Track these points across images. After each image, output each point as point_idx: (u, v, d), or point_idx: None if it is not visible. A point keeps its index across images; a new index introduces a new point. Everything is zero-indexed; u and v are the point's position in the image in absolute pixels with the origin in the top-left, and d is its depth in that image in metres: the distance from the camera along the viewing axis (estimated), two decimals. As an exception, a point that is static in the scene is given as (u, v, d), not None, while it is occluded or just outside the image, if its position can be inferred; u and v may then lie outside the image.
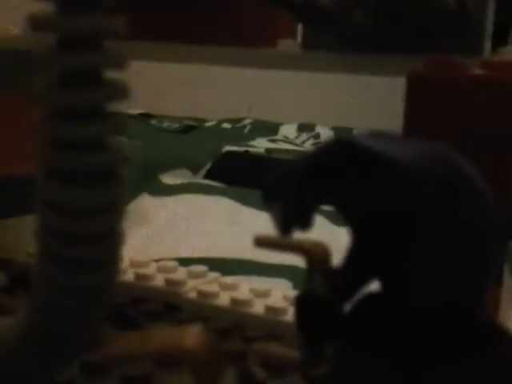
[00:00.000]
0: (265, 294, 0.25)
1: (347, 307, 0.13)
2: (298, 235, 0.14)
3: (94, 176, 0.11)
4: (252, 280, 0.28)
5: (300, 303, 0.14)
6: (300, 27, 0.20)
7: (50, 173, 0.11)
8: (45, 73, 0.11)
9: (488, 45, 0.20)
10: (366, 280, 0.13)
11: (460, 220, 0.11)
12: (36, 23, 0.11)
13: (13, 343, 0.14)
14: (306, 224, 0.13)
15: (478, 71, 0.19)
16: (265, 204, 0.12)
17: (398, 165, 0.10)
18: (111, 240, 0.12)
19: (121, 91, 0.12)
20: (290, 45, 0.23)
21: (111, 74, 0.12)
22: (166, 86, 0.97)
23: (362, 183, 0.11)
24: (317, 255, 0.14)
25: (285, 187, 0.12)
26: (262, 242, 0.15)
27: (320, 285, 0.14)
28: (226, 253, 0.33)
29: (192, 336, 0.10)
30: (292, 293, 0.25)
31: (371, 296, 0.13)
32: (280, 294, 0.25)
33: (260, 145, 0.65)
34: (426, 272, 0.11)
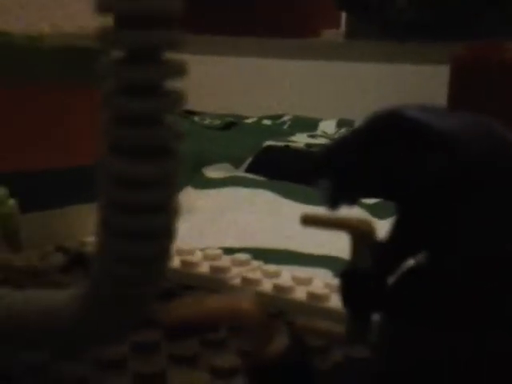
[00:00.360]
0: (307, 282, 0.26)
1: (391, 280, 0.13)
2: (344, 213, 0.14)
3: (152, 150, 0.12)
4: (294, 269, 0.29)
5: (345, 277, 0.14)
6: (344, 16, 0.21)
7: (112, 147, 0.12)
8: (108, 54, 0.12)
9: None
10: (410, 253, 0.13)
11: (504, 190, 0.11)
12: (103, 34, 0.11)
13: (71, 316, 0.15)
14: (353, 199, 0.13)
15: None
16: (313, 179, 0.13)
17: (445, 135, 0.11)
18: (168, 212, 0.13)
19: (178, 69, 0.12)
20: (334, 35, 0.23)
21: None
22: (205, 82, 0.98)
23: (409, 154, 0.11)
24: (362, 231, 0.14)
25: (333, 161, 0.13)
26: (308, 220, 0.16)
27: (365, 259, 0.14)
28: (268, 243, 0.33)
29: (246, 299, 0.11)
30: (333, 281, 0.25)
31: (415, 268, 0.13)
32: (321, 282, 0.26)
33: (300, 140, 0.65)
34: (473, 242, 0.12)
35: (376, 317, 0.14)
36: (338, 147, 0.12)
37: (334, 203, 0.13)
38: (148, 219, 0.12)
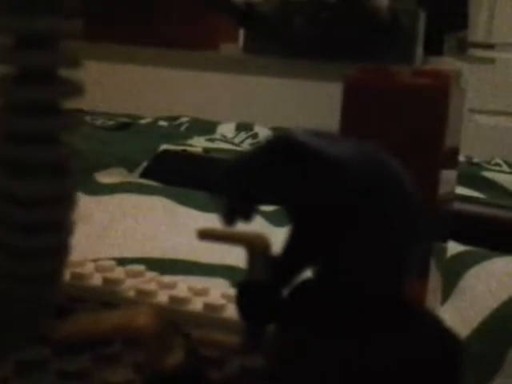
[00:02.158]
0: (203, 292, 0.26)
1: (286, 292, 0.15)
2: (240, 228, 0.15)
3: (45, 168, 0.12)
4: (190, 279, 0.29)
5: (241, 289, 0.15)
6: (242, 32, 0.22)
7: (4, 164, 0.12)
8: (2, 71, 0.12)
9: (420, 54, 0.23)
10: (303, 267, 0.14)
11: (388, 216, 0.13)
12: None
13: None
14: (248, 216, 0.14)
15: (408, 78, 0.21)
16: (211, 196, 0.14)
17: (332, 160, 0.12)
18: (62, 230, 0.13)
19: (75, 89, 0.13)
20: (231, 49, 0.24)
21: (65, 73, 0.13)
22: (101, 82, 0.96)
23: (301, 177, 0.13)
24: (258, 245, 0.16)
25: (229, 182, 0.14)
26: (205, 235, 0.17)
27: (260, 272, 0.15)
28: (164, 253, 0.34)
29: (142, 315, 0.12)
30: (230, 291, 0.26)
31: (307, 282, 0.14)
32: (218, 292, 0.26)
33: (198, 144, 0.66)
34: (355, 260, 0.13)
35: (271, 327, 0.15)
36: (235, 168, 0.13)
37: (230, 219, 0.14)
38: (36, 238, 0.12)
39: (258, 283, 0.15)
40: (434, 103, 0.21)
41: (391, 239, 0.13)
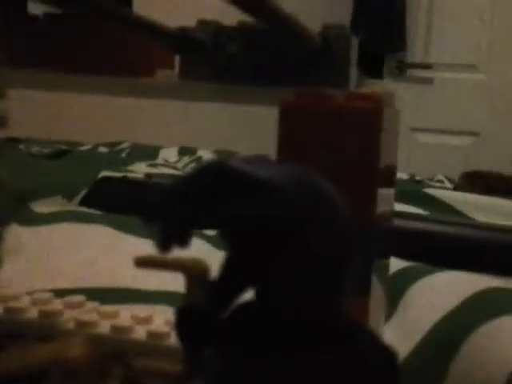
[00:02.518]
0: (146, 320, 0.26)
1: (224, 316, 0.15)
2: (178, 253, 0.15)
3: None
4: (133, 308, 0.29)
5: (180, 315, 0.15)
6: (177, 58, 0.22)
7: None
8: None
9: (353, 77, 0.24)
10: (240, 290, 0.15)
11: (322, 239, 0.13)
12: None
13: None
14: (183, 242, 0.14)
15: (342, 101, 0.22)
16: (145, 224, 0.14)
17: (265, 185, 0.13)
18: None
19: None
20: (168, 75, 0.25)
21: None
22: (37, 110, 0.95)
23: (231, 202, 0.13)
24: (196, 270, 0.16)
25: (163, 208, 0.14)
26: (142, 262, 0.17)
27: (199, 297, 0.15)
28: (105, 282, 0.33)
29: (75, 346, 0.12)
30: (174, 318, 0.26)
31: (245, 305, 0.15)
32: (162, 320, 0.26)
33: (139, 169, 0.65)
34: (291, 285, 0.13)
35: (209, 352, 0.15)
36: (167, 195, 0.13)
37: (165, 246, 0.14)
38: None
39: (196, 308, 0.15)
40: (368, 125, 0.22)
41: (326, 261, 0.13)
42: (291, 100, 0.21)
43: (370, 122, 0.22)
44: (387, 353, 0.13)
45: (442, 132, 1.63)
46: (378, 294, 0.25)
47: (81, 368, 0.11)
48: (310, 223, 0.13)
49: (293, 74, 0.23)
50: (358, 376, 0.13)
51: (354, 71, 0.25)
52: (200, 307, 0.15)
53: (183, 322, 0.15)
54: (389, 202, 0.26)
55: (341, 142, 0.21)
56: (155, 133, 0.98)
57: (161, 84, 0.24)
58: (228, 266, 0.15)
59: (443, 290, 0.30)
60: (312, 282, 0.13)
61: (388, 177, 0.25)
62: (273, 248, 0.13)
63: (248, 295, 0.15)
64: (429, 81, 1.61)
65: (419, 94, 1.59)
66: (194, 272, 0.16)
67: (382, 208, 0.24)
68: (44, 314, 0.25)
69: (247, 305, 0.15)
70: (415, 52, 1.57)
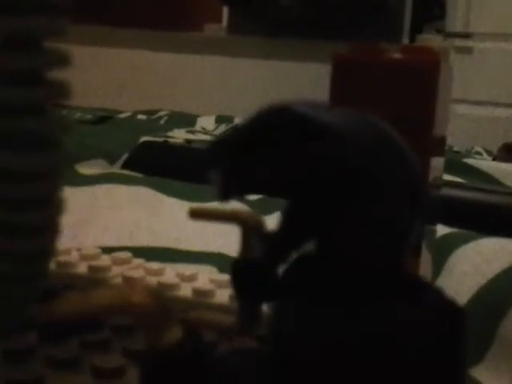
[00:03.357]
0: (191, 278, 0.26)
1: (282, 269, 0.14)
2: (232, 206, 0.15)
3: (31, 140, 0.12)
4: (177, 266, 0.29)
5: (236, 268, 0.15)
6: (226, 12, 0.21)
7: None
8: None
9: (407, 32, 0.23)
10: (300, 243, 0.14)
11: (389, 185, 0.13)
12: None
13: None
14: (243, 191, 0.14)
15: (397, 55, 0.21)
16: (205, 172, 0.13)
17: (332, 129, 0.12)
18: (50, 206, 0.13)
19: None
20: (216, 30, 0.24)
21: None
22: (75, 75, 0.95)
23: (296, 148, 0.12)
24: (251, 222, 0.15)
25: (223, 155, 0.13)
26: (197, 214, 0.16)
27: (254, 250, 0.15)
28: (149, 241, 0.33)
29: (138, 291, 0.11)
30: (218, 276, 0.26)
31: (304, 258, 0.14)
32: (206, 278, 0.26)
33: (178, 135, 0.65)
34: (354, 234, 0.13)
35: (266, 308, 0.15)
36: (226, 141, 0.13)
37: (224, 194, 0.14)
38: (29, 214, 0.12)
39: (253, 261, 0.15)
40: (424, 79, 0.21)
41: (391, 213, 0.13)
42: (344, 53, 0.21)
43: (427, 76, 0.21)
44: (454, 307, 0.13)
45: (481, 103, 1.59)
46: (425, 257, 0.24)
47: (144, 314, 0.11)
48: (377, 169, 0.12)
49: (346, 28, 0.22)
50: (426, 329, 0.12)
51: (407, 27, 0.24)
52: (257, 260, 0.15)
53: (239, 275, 0.15)
54: (439, 171, 0.25)
55: (396, 97, 0.20)
56: (194, 99, 0.97)
57: (208, 39, 0.23)
58: (287, 218, 0.14)
59: (488, 256, 0.30)
60: (377, 231, 0.12)
61: (439, 145, 0.24)
62: (337, 197, 0.13)
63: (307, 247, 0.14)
64: (468, 51, 1.57)
65: (458, 65, 1.54)
66: (250, 224, 0.16)
67: (432, 175, 0.23)
68: (93, 269, 0.26)
69: (306, 257, 0.14)
70: (454, 21, 1.52)
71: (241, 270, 0.15)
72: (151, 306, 0.11)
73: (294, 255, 0.14)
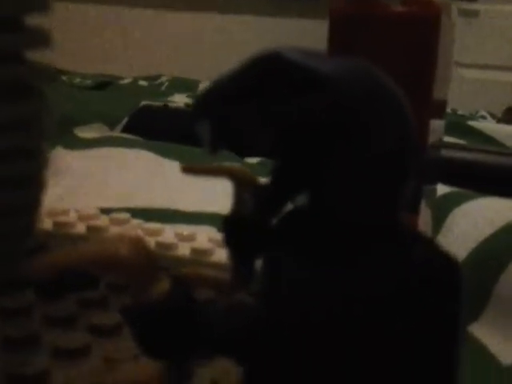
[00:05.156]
0: (190, 238, 0.26)
1: (273, 223, 0.14)
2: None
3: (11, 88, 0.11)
4: (176, 227, 0.29)
5: (228, 223, 0.15)
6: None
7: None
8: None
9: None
10: (290, 196, 0.14)
11: (382, 134, 0.12)
12: None
13: None
14: (232, 141, 0.14)
15: (396, 8, 0.20)
16: (193, 124, 0.13)
17: (325, 76, 0.11)
18: (35, 157, 0.13)
19: (41, 38, 0.12)
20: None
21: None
22: (74, 40, 0.94)
23: (289, 97, 0.12)
24: (243, 177, 0.15)
25: (211, 104, 0.13)
26: (189, 170, 0.16)
27: (247, 205, 0.15)
28: (148, 203, 0.33)
29: (126, 244, 0.11)
30: (217, 236, 0.26)
31: (295, 211, 0.14)
32: (205, 237, 0.26)
33: (179, 100, 0.65)
34: (348, 185, 0.13)
35: (259, 263, 0.14)
36: (215, 90, 0.12)
37: (213, 146, 0.13)
38: (13, 165, 0.12)
39: (245, 216, 0.15)
40: (425, 33, 0.20)
41: (384, 164, 0.12)
42: (342, 6, 0.20)
43: (427, 29, 0.20)
44: (450, 260, 0.13)
45: (487, 67, 1.56)
46: (425, 215, 0.24)
47: (131, 266, 0.11)
48: (369, 118, 0.12)
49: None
50: (422, 282, 0.12)
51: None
52: (248, 215, 0.15)
53: (231, 230, 0.15)
54: (439, 133, 0.25)
55: (395, 52, 0.20)
56: (194, 67, 0.96)
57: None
58: (278, 171, 0.14)
59: (487, 213, 0.29)
60: (370, 181, 0.12)
61: (440, 107, 0.23)
62: (329, 148, 0.12)
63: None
64: (474, 13, 1.54)
65: (464, 28, 1.51)
66: (242, 179, 0.15)
67: (433, 138, 0.23)
68: (91, 229, 0.25)
69: (298, 211, 0.14)
70: (460, -17, 1.49)
71: (232, 225, 0.15)
72: (138, 259, 0.11)
73: (286, 209, 0.14)
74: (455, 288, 0.13)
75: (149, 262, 0.11)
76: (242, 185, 0.15)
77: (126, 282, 0.11)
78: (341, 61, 0.13)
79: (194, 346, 0.12)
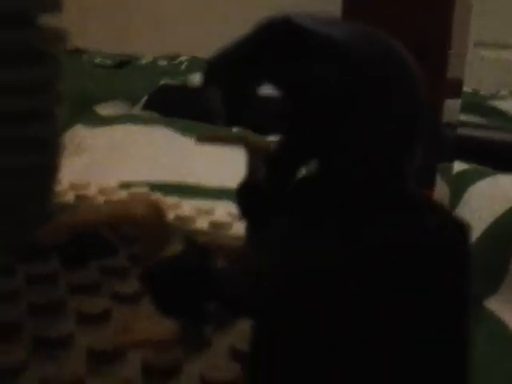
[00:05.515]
0: (208, 212, 0.26)
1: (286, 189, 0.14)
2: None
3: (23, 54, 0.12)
4: (194, 201, 0.29)
5: (241, 190, 0.15)
6: None
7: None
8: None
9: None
10: (301, 162, 0.14)
11: (394, 100, 0.12)
12: None
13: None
14: (243, 113, 0.14)
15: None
16: (205, 93, 0.13)
17: (333, 42, 0.12)
18: (51, 122, 0.13)
19: (52, 3, 0.12)
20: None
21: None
22: (94, 19, 0.94)
23: (299, 62, 0.12)
24: (258, 145, 0.15)
25: (223, 71, 0.13)
26: (204, 139, 0.16)
27: (260, 172, 0.15)
28: (167, 178, 0.34)
29: (141, 204, 0.11)
30: (235, 210, 0.26)
31: (307, 177, 0.14)
32: (223, 211, 0.26)
33: (198, 79, 0.65)
34: (359, 150, 0.13)
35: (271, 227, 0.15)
36: (224, 57, 0.12)
37: (224, 117, 0.13)
38: (27, 128, 0.12)
39: (257, 183, 0.15)
40: (439, 8, 0.20)
41: (395, 132, 0.12)
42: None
43: (441, 4, 0.20)
44: (460, 224, 0.13)
45: (508, 47, 1.53)
46: (442, 190, 0.24)
47: (145, 224, 0.11)
48: (383, 83, 0.12)
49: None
50: (431, 244, 0.12)
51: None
52: (262, 182, 0.15)
53: (244, 197, 0.15)
54: (455, 111, 0.24)
55: (409, 26, 0.20)
56: (213, 46, 0.96)
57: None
58: (289, 138, 0.14)
59: (504, 190, 0.29)
60: (382, 145, 0.12)
61: (456, 87, 0.23)
62: (339, 114, 0.12)
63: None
64: (497, -8, 1.50)
65: (483, 6, 1.48)
66: (256, 147, 0.15)
67: (448, 117, 0.23)
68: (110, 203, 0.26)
69: (310, 177, 0.14)
70: (484, -39, 1.45)
71: (246, 193, 0.15)
72: (152, 218, 0.11)
73: (298, 176, 0.14)
74: (465, 254, 0.13)
75: (162, 222, 0.12)
76: (256, 153, 0.15)
77: (140, 242, 0.12)
78: (350, 26, 0.13)
79: (207, 303, 0.12)
